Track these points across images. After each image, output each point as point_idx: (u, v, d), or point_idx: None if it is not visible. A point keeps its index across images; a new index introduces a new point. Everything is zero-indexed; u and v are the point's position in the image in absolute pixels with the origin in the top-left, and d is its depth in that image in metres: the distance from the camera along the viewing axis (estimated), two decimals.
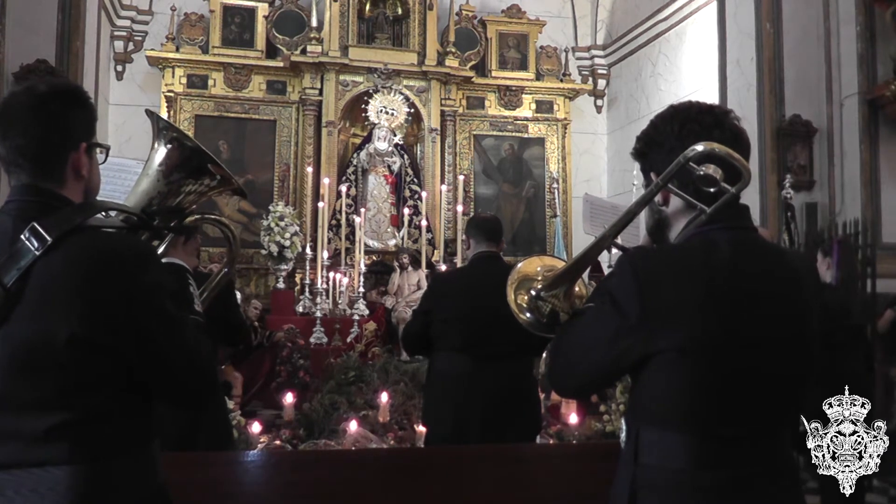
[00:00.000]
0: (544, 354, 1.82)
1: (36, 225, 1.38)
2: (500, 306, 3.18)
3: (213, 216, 2.18)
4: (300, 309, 8.61)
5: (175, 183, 1.73)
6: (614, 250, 1.63)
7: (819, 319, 1.51)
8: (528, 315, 1.71)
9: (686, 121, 1.51)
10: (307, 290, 8.60)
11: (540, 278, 1.72)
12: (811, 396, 1.55)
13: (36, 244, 1.37)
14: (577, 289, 1.70)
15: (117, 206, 1.62)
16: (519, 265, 1.82)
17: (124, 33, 9.72)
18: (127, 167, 2.70)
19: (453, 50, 10.04)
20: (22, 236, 1.38)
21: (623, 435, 1.51)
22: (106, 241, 1.46)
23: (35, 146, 1.46)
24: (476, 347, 3.18)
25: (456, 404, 3.20)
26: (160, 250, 1.79)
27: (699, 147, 1.43)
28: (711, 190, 1.44)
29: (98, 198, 1.60)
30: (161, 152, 1.74)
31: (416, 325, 3.51)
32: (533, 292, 1.70)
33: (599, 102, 11.24)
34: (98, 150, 1.58)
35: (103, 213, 1.55)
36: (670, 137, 1.51)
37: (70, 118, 1.51)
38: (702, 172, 1.44)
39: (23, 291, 1.36)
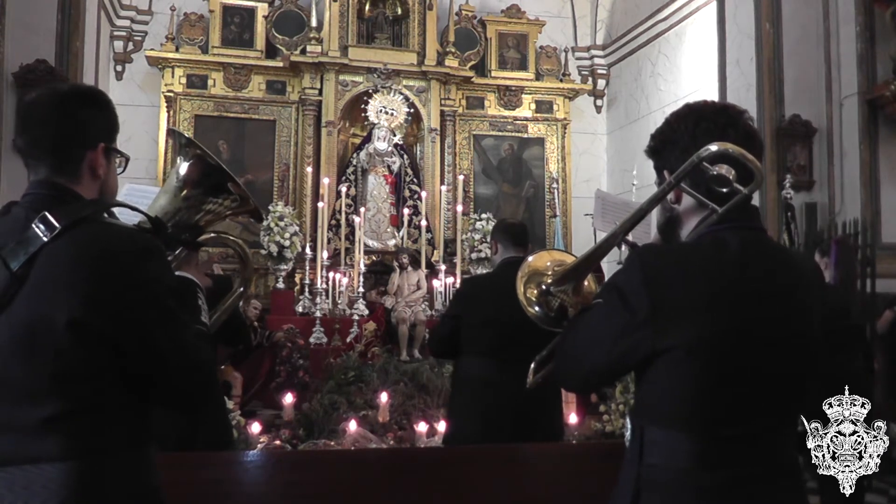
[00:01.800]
0: (533, 364, 1.83)
1: (47, 214, 1.42)
2: None
3: (229, 236, 2.19)
4: (300, 309, 8.60)
5: (193, 200, 1.74)
6: (624, 248, 1.64)
7: (821, 320, 1.51)
8: (536, 309, 1.72)
9: (700, 119, 1.51)
10: (307, 290, 8.59)
11: (550, 272, 1.73)
12: (813, 396, 1.54)
13: (45, 231, 1.40)
14: (586, 284, 1.70)
15: (130, 206, 1.63)
16: (529, 259, 1.82)
17: (124, 33, 9.72)
18: (150, 194, 2.73)
19: (453, 50, 10.04)
20: (33, 224, 1.41)
21: (627, 434, 1.51)
22: (113, 231, 1.48)
23: (51, 140, 1.50)
24: (504, 352, 3.18)
25: (485, 408, 3.21)
26: (175, 260, 1.79)
27: (713, 147, 1.43)
28: (724, 190, 1.44)
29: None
30: (182, 168, 1.75)
31: (445, 328, 3.52)
32: (543, 286, 1.71)
33: (599, 102, 11.24)
34: (118, 158, 1.60)
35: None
36: (684, 136, 1.51)
37: (87, 117, 1.54)
38: (715, 172, 1.44)
39: (28, 275, 1.38)
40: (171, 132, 2.08)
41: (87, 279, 1.38)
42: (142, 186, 2.79)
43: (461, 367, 3.44)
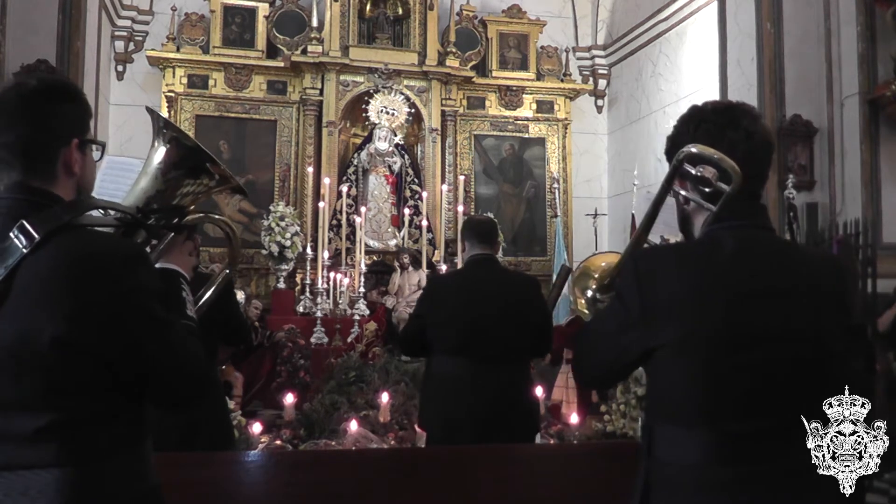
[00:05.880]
0: None
1: (25, 223, 1.36)
2: (497, 309, 3.17)
3: (214, 215, 2.16)
4: (301, 309, 8.62)
5: (174, 181, 1.70)
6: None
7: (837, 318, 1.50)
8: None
9: (701, 121, 1.54)
10: (308, 290, 8.60)
11: (596, 275, 1.81)
12: (830, 394, 1.53)
13: (24, 242, 1.35)
14: None
15: (110, 204, 1.58)
16: (589, 258, 1.92)
17: (125, 33, 9.73)
18: (131, 166, 2.66)
19: (454, 50, 10.04)
20: (11, 234, 1.36)
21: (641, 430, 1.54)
22: (93, 241, 1.43)
23: (24, 144, 1.43)
24: (472, 350, 3.17)
25: (449, 406, 3.19)
26: (160, 248, 1.75)
27: (687, 149, 1.48)
28: (707, 190, 1.48)
29: (99, 196, 1.58)
30: (160, 151, 1.71)
31: (411, 328, 3.50)
32: (589, 293, 1.80)
33: (600, 102, 11.24)
34: (94, 147, 1.54)
35: (101, 212, 1.54)
36: (686, 138, 1.54)
37: (60, 114, 1.47)
38: (697, 173, 1.47)
39: (9, 290, 1.34)
40: (149, 111, 2.02)
41: (69, 294, 1.33)
42: (122, 158, 2.71)
43: (431, 365, 3.41)
